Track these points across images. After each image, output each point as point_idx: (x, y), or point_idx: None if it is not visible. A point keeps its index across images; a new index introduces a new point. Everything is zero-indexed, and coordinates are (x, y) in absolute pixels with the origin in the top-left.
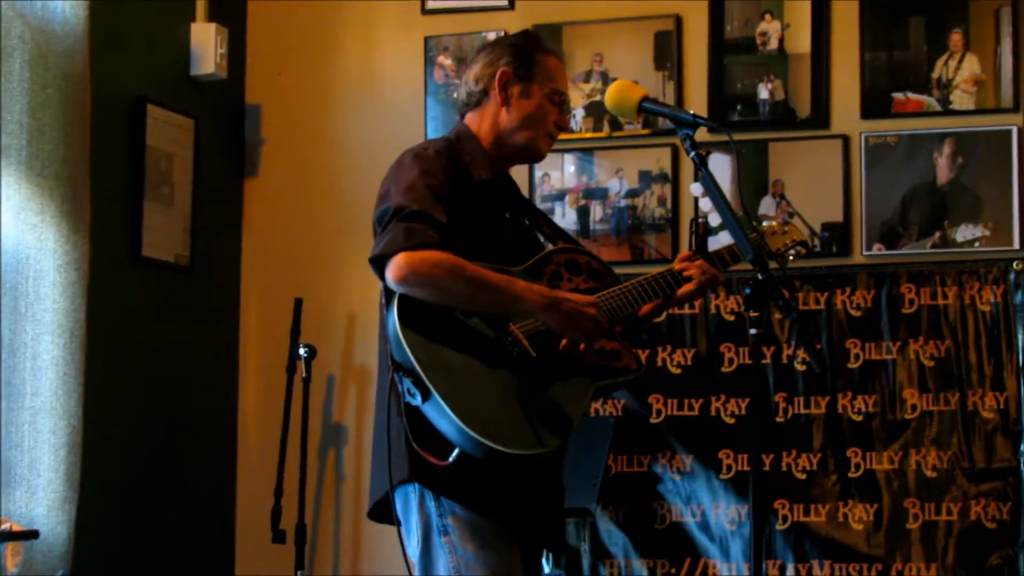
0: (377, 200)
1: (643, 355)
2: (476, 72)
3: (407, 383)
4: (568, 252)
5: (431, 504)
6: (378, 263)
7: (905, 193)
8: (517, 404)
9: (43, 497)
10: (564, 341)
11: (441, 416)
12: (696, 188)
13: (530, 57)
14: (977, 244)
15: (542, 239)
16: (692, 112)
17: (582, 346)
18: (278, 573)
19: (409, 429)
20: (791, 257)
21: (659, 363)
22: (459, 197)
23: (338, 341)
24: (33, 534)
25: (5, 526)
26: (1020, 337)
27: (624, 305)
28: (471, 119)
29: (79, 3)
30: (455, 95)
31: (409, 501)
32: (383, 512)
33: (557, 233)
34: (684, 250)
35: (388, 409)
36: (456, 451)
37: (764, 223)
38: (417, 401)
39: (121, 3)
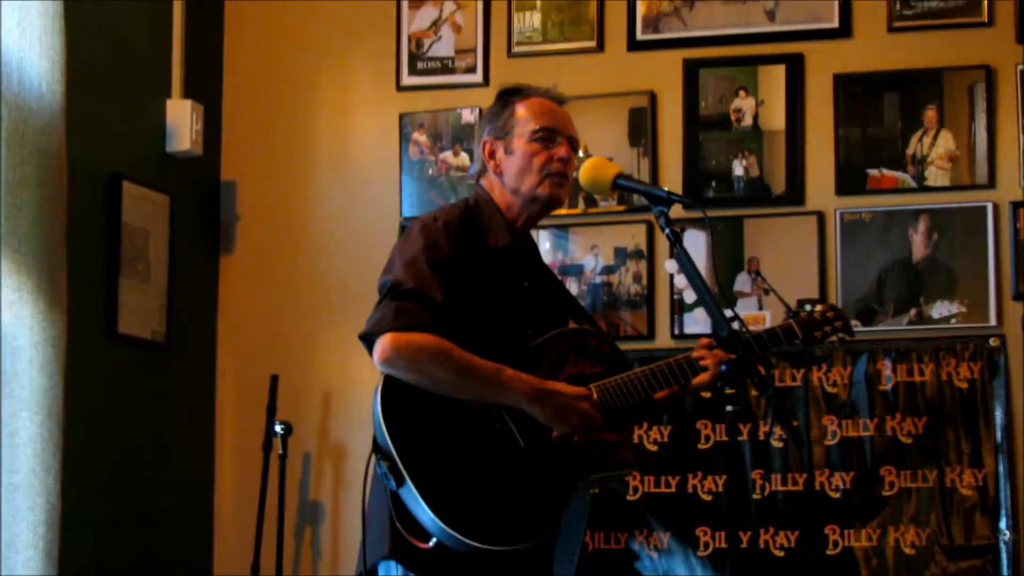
0: (383, 268)
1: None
2: (476, 154)
3: (383, 467)
4: (578, 335)
5: None
6: (367, 340)
7: (881, 269)
8: (499, 495)
9: (22, 574)
10: (555, 432)
11: (415, 504)
12: (671, 265)
13: (502, 113)
14: (953, 320)
15: (561, 311)
16: (667, 189)
17: (576, 437)
18: None
19: (392, 509)
20: (834, 341)
21: (635, 440)
22: (472, 264)
23: (314, 418)
24: None
25: None
26: (998, 414)
27: (626, 395)
28: (485, 183)
29: (56, 80)
30: (430, 171)
31: None
32: None
33: (574, 307)
34: (664, 329)
35: (364, 485)
36: (434, 539)
37: (807, 306)
38: (392, 486)
39: (97, 80)
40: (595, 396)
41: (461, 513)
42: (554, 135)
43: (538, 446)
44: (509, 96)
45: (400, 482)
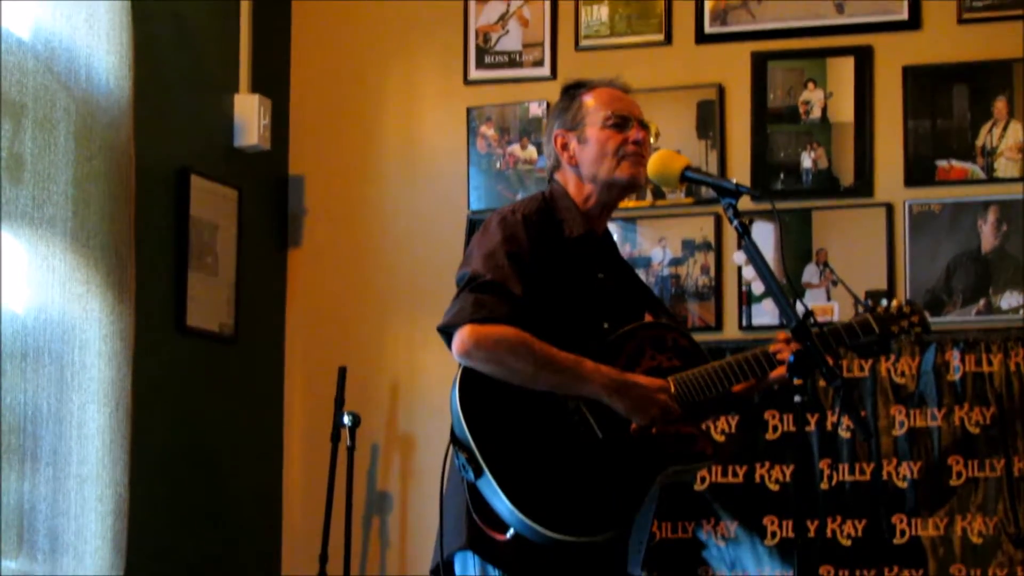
0: (461, 261)
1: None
2: (546, 150)
3: (462, 459)
4: (656, 328)
5: (494, 574)
6: (445, 333)
7: (949, 261)
8: (577, 487)
9: (90, 564)
10: (634, 424)
11: (494, 495)
12: (739, 256)
13: (571, 106)
14: (1022, 311)
15: (638, 304)
16: (735, 181)
17: (654, 430)
18: None
19: (470, 500)
20: (912, 338)
21: (705, 432)
22: (550, 256)
23: (382, 409)
24: None
25: None
26: None
27: (703, 388)
28: (559, 176)
29: (123, 75)
30: (497, 165)
31: (468, 567)
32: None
33: (651, 300)
34: (732, 321)
35: (443, 475)
36: (512, 530)
37: (883, 300)
38: (471, 477)
39: (165, 75)
40: (673, 389)
41: (540, 504)
42: (627, 120)
43: (616, 438)
44: (575, 89)
45: (479, 473)
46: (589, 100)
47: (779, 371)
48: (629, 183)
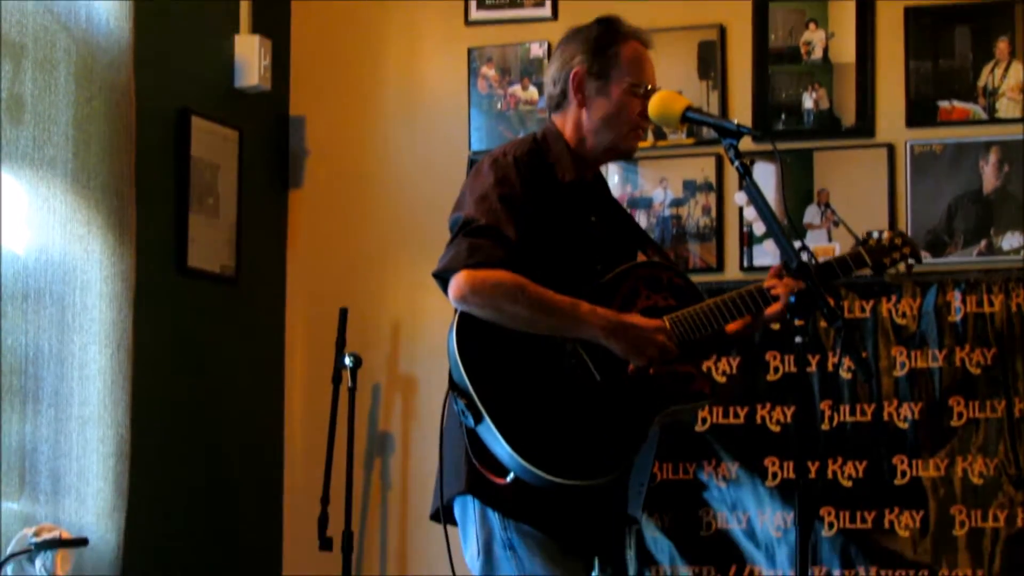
0: (453, 205)
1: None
2: (553, 73)
3: (461, 404)
4: (650, 267)
5: (493, 517)
6: (441, 278)
7: (951, 201)
8: (576, 430)
9: (92, 505)
10: (631, 366)
11: (494, 440)
12: (740, 197)
13: (605, 51)
14: (1023, 252)
15: (631, 245)
16: (736, 122)
17: (652, 370)
18: None
19: (469, 445)
20: (901, 269)
21: (703, 371)
22: (542, 199)
23: (383, 350)
24: (82, 542)
25: (55, 534)
26: None
27: (699, 327)
28: (557, 119)
29: (123, 16)
30: (498, 106)
31: (468, 511)
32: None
33: (644, 240)
34: (733, 261)
35: (443, 420)
36: (512, 474)
37: (875, 233)
38: (470, 423)
39: (165, 16)
40: (669, 328)
41: (540, 448)
42: (647, 90)
43: (614, 380)
44: (610, 32)
45: (478, 419)
46: (625, 55)
47: (773, 307)
48: (626, 154)
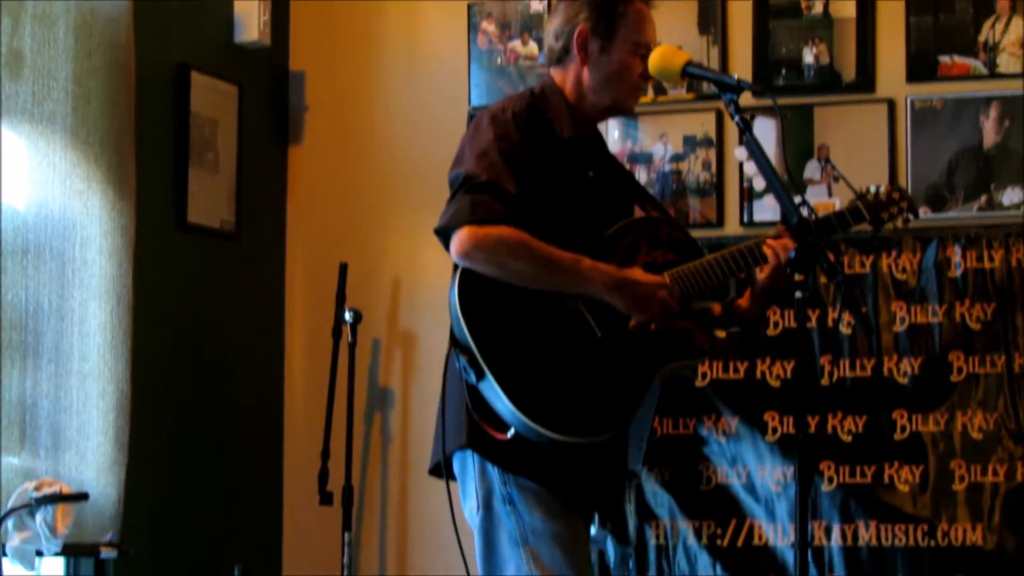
0: (452, 161)
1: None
2: (556, 27)
3: (463, 361)
4: (649, 223)
5: (493, 472)
6: (443, 235)
7: (951, 157)
8: (577, 386)
9: (92, 460)
10: (633, 321)
11: (496, 397)
12: (741, 152)
13: (611, 10)
14: None
15: (628, 200)
16: (736, 76)
17: (653, 326)
18: (326, 534)
19: (469, 401)
20: (899, 224)
21: (703, 327)
22: (540, 155)
23: (383, 305)
24: (83, 496)
25: (55, 489)
26: None
27: (698, 283)
28: (556, 74)
29: None
30: (498, 61)
31: (467, 466)
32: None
33: (643, 195)
34: (733, 217)
35: (445, 376)
36: (512, 430)
37: (872, 188)
38: (472, 379)
39: None
40: (669, 284)
41: (541, 405)
42: (649, 51)
43: (615, 336)
44: None
45: (480, 376)
46: (628, 17)
47: (765, 270)
48: (627, 113)
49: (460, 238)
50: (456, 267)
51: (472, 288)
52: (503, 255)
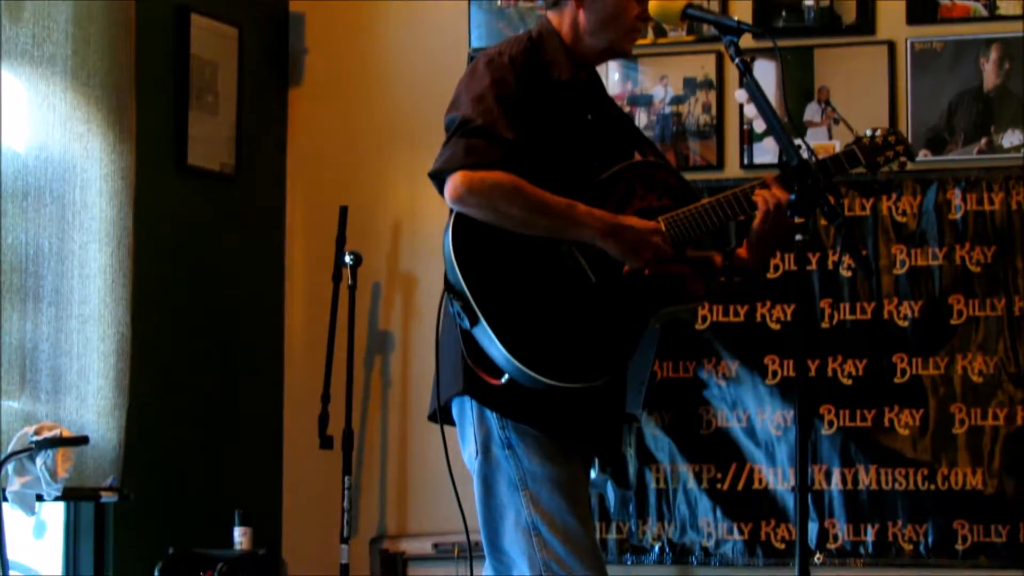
0: (449, 105)
1: None
2: None
3: (457, 306)
4: (645, 167)
5: (491, 417)
6: (437, 179)
7: (951, 99)
8: (572, 332)
9: (93, 404)
10: (627, 267)
11: (489, 342)
12: (741, 95)
13: None
14: None
15: (627, 143)
16: (736, 18)
17: (647, 271)
18: (326, 478)
19: (464, 347)
20: (895, 168)
21: (698, 271)
22: (537, 98)
23: (384, 248)
24: (83, 440)
25: (56, 432)
26: None
27: (692, 228)
28: (552, 16)
29: None
30: (499, 2)
31: (465, 411)
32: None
33: (639, 139)
34: (733, 159)
35: (439, 322)
36: (507, 375)
37: (869, 131)
38: (466, 325)
39: None
40: (664, 229)
41: (535, 350)
42: None
43: (609, 281)
44: None
45: (474, 321)
46: None
47: (758, 217)
48: (624, 56)
49: (454, 182)
50: (452, 212)
51: (466, 233)
52: (497, 200)
